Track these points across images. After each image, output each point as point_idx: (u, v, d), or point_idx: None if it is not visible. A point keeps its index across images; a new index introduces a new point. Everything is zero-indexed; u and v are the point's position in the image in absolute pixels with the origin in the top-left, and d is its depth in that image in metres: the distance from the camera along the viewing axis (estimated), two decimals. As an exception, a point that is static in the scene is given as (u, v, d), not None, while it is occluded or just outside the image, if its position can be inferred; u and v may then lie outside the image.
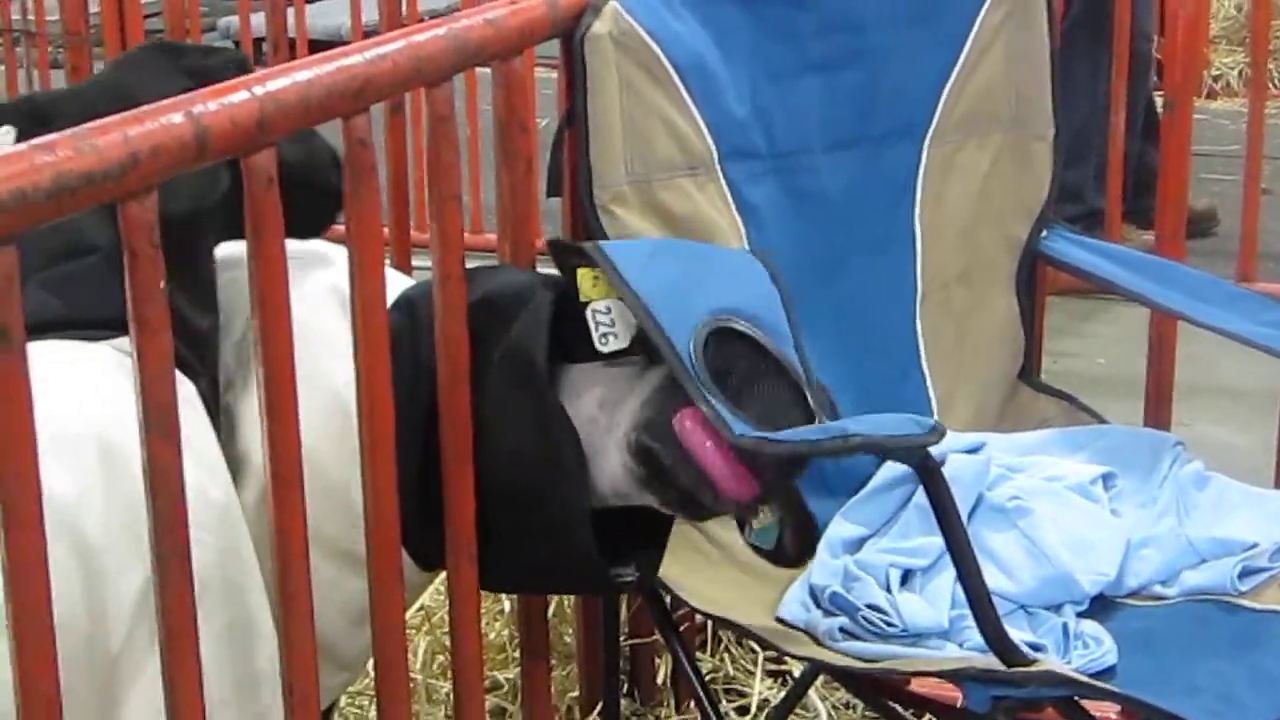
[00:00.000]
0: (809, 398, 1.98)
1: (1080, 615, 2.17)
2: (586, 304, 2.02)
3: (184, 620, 1.62)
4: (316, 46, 4.04)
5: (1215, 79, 6.87)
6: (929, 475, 1.85)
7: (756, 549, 2.08)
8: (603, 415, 2.01)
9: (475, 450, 2.01)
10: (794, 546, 2.08)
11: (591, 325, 2.02)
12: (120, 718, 1.77)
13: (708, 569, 2.20)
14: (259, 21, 5.09)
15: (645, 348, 2.00)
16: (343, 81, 1.78)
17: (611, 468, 1.99)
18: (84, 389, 1.86)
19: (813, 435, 1.87)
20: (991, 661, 1.91)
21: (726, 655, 2.87)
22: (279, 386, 1.73)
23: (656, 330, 1.92)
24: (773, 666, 2.83)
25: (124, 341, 1.61)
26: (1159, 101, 4.54)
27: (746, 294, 2.06)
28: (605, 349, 2.01)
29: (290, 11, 5.01)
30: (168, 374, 1.57)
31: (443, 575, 2.12)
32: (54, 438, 1.56)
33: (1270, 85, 5.25)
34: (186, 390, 1.89)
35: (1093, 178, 4.63)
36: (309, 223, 2.10)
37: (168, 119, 1.56)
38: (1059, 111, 2.57)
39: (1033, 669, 1.90)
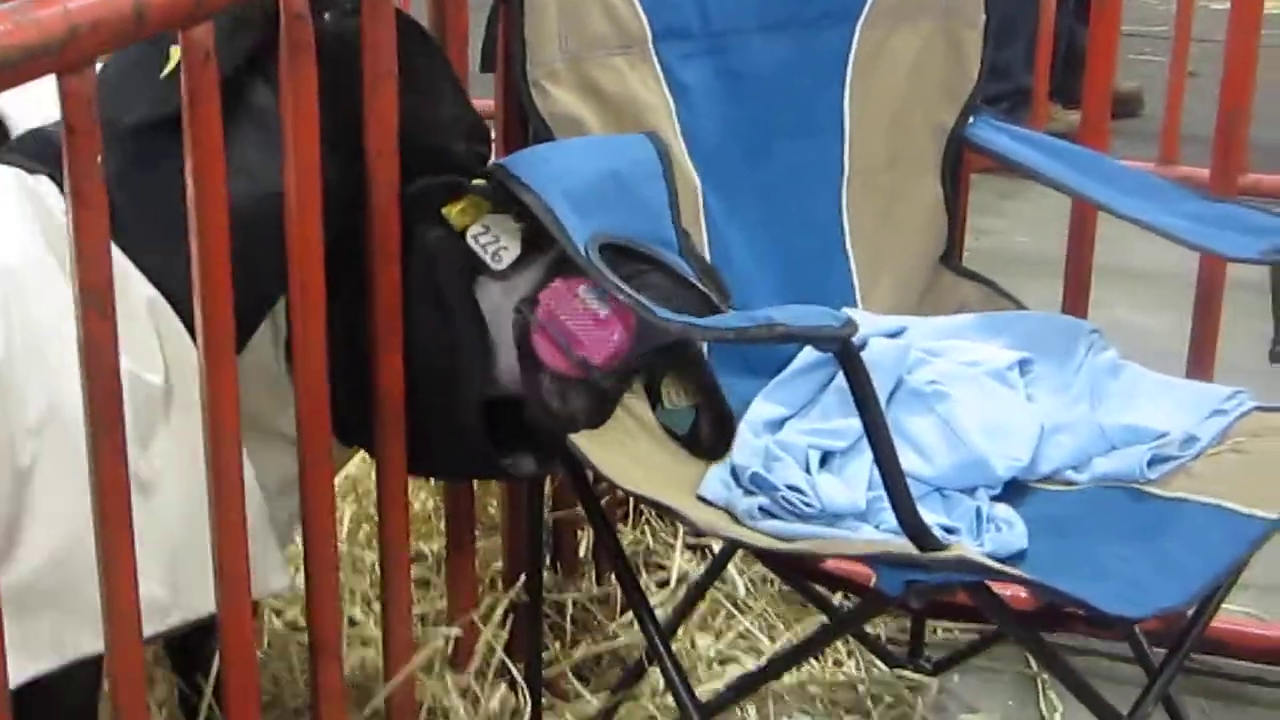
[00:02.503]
0: (701, 286, 2.04)
1: (993, 499, 2.22)
2: (464, 237, 2.09)
3: (117, 494, 1.64)
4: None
5: (1146, -42, 6.89)
6: (849, 361, 1.89)
7: (669, 431, 2.13)
8: (505, 300, 2.07)
9: None
10: (708, 438, 2.13)
11: (478, 250, 2.09)
12: (25, 532, 1.79)
13: (630, 444, 2.23)
14: None
15: (539, 246, 2.05)
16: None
17: (511, 357, 2.06)
18: None
19: (737, 322, 1.90)
20: (905, 545, 1.96)
21: (648, 528, 2.92)
22: (209, 258, 1.75)
23: (557, 226, 1.99)
24: (693, 540, 2.88)
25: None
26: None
27: (634, 210, 2.13)
28: (501, 265, 2.07)
29: None
30: (104, 250, 1.59)
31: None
32: None
33: (1200, -34, 5.25)
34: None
35: (1023, 56, 4.66)
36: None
37: (108, -7, 1.57)
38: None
39: (945, 555, 1.94)
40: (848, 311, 2.03)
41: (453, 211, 2.10)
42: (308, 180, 1.88)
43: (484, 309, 2.09)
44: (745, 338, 1.90)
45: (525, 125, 2.34)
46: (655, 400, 2.15)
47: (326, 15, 1.99)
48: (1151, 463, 2.25)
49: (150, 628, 1.79)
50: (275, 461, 2.00)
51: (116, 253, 1.86)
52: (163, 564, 1.86)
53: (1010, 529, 2.14)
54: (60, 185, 1.61)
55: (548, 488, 2.63)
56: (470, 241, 2.09)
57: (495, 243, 2.09)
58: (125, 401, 1.77)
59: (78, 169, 1.56)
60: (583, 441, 2.16)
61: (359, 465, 2.77)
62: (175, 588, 1.87)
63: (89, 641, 1.76)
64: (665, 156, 2.24)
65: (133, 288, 1.90)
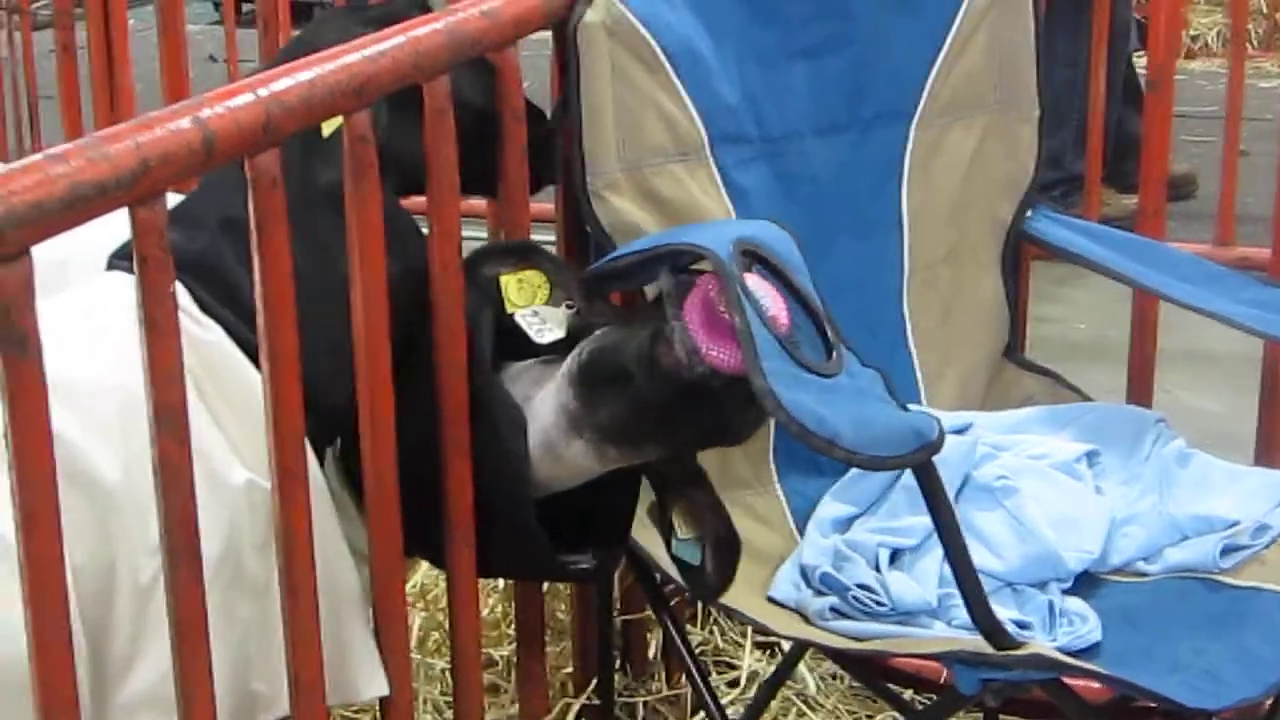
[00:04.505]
0: (828, 329, 2.00)
1: (1065, 592, 2.21)
2: (511, 314, 2.08)
3: (195, 615, 1.65)
4: (298, 8, 4.07)
5: (1193, 39, 6.91)
6: (923, 471, 1.88)
7: (679, 563, 2.11)
8: (535, 390, 2.05)
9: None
10: (715, 572, 2.09)
11: (524, 327, 2.07)
12: (146, 647, 1.82)
13: (699, 549, 2.23)
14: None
15: (580, 339, 2.04)
16: (344, 80, 1.81)
17: (543, 429, 2.01)
18: (102, 339, 1.88)
19: (807, 421, 1.82)
20: (979, 643, 1.95)
21: (716, 628, 2.91)
22: (281, 378, 1.76)
23: (687, 245, 1.95)
24: (762, 639, 2.86)
25: None
26: (1139, 64, 4.60)
27: (768, 232, 2.08)
28: (543, 340, 2.06)
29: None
30: (177, 376, 1.60)
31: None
32: (69, 386, 1.59)
33: (1249, 46, 5.26)
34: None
35: (1072, 143, 4.66)
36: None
37: (176, 125, 1.59)
38: (1043, 87, 2.60)
39: (1020, 653, 1.93)
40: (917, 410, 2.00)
41: (510, 283, 2.09)
42: (374, 301, 1.89)
43: (515, 396, 2.06)
44: (817, 446, 1.81)
45: (585, 234, 2.35)
46: (668, 531, 2.13)
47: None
48: (1224, 552, 2.24)
49: None
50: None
51: (239, 356, 1.90)
52: (275, 660, 1.88)
53: (1083, 623, 2.13)
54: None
55: (616, 590, 2.62)
56: (518, 319, 2.07)
57: (542, 324, 2.08)
58: (243, 507, 1.79)
59: (151, 298, 1.57)
60: (651, 545, 2.17)
61: (427, 573, 2.78)
62: (277, 685, 1.89)
63: None
64: (782, 225, 2.18)
65: (255, 394, 1.89)
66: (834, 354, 1.97)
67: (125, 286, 1.92)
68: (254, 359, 1.88)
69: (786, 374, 1.84)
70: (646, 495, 2.16)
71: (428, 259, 2.04)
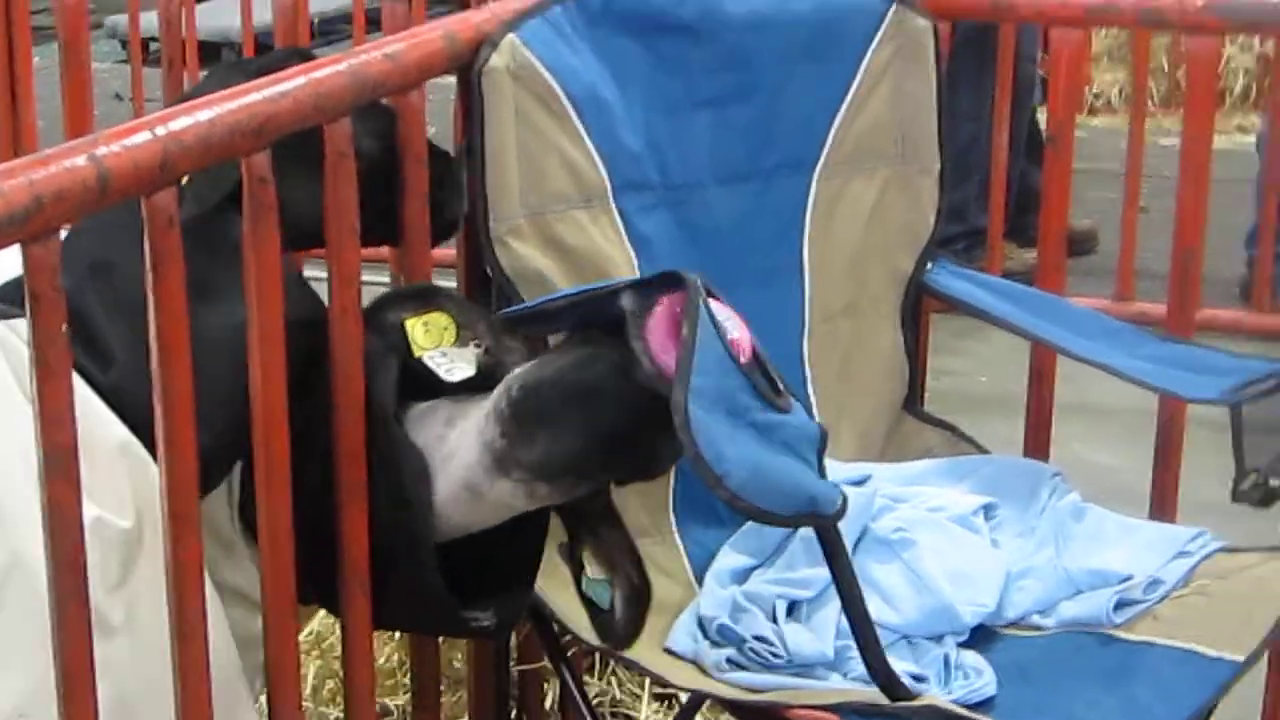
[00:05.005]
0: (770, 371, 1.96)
1: (961, 645, 2.22)
2: (419, 358, 2.05)
3: (82, 662, 1.63)
4: (206, 48, 4.05)
5: (1096, 96, 6.98)
6: (825, 534, 1.88)
7: (587, 603, 2.08)
8: (450, 430, 2.02)
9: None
10: (624, 619, 2.06)
11: (433, 368, 2.05)
12: None
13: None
14: (148, 20, 5.08)
15: (491, 377, 2.01)
16: (244, 120, 1.79)
17: (463, 467, 1.98)
18: None
19: (707, 451, 1.77)
20: (875, 695, 1.95)
21: (614, 679, 2.90)
22: (176, 423, 1.74)
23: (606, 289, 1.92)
24: (660, 690, 2.85)
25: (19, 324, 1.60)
26: (1041, 120, 4.64)
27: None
28: (453, 378, 2.04)
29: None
30: (68, 417, 1.58)
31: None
32: None
33: (1149, 103, 5.32)
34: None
35: (975, 197, 4.70)
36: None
37: (71, 162, 1.57)
38: (944, 144, 2.62)
39: (914, 703, 1.93)
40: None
41: (415, 326, 2.07)
42: (272, 344, 1.88)
43: (425, 436, 2.04)
44: (705, 479, 1.77)
45: (487, 279, 2.34)
46: (579, 568, 2.11)
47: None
48: (1117, 606, 2.25)
49: None
50: (230, 619, 1.98)
51: (92, 397, 1.87)
52: (120, 708, 1.84)
53: (978, 676, 2.14)
54: None
55: (513, 639, 2.61)
56: (426, 361, 2.05)
57: (450, 364, 2.06)
58: (94, 546, 1.75)
59: (43, 338, 1.55)
60: (549, 593, 2.16)
61: (323, 620, 2.75)
62: None
63: None
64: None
65: (106, 432, 1.90)
66: (781, 393, 1.95)
67: None
68: (103, 398, 1.89)
69: (714, 397, 1.81)
70: (554, 536, 2.14)
71: (315, 307, 2.03)
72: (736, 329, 1.89)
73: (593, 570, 2.07)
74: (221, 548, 2.01)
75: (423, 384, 2.07)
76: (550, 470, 1.93)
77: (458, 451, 1.99)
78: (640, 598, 2.06)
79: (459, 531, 2.05)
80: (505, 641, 2.50)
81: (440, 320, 2.08)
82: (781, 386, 1.93)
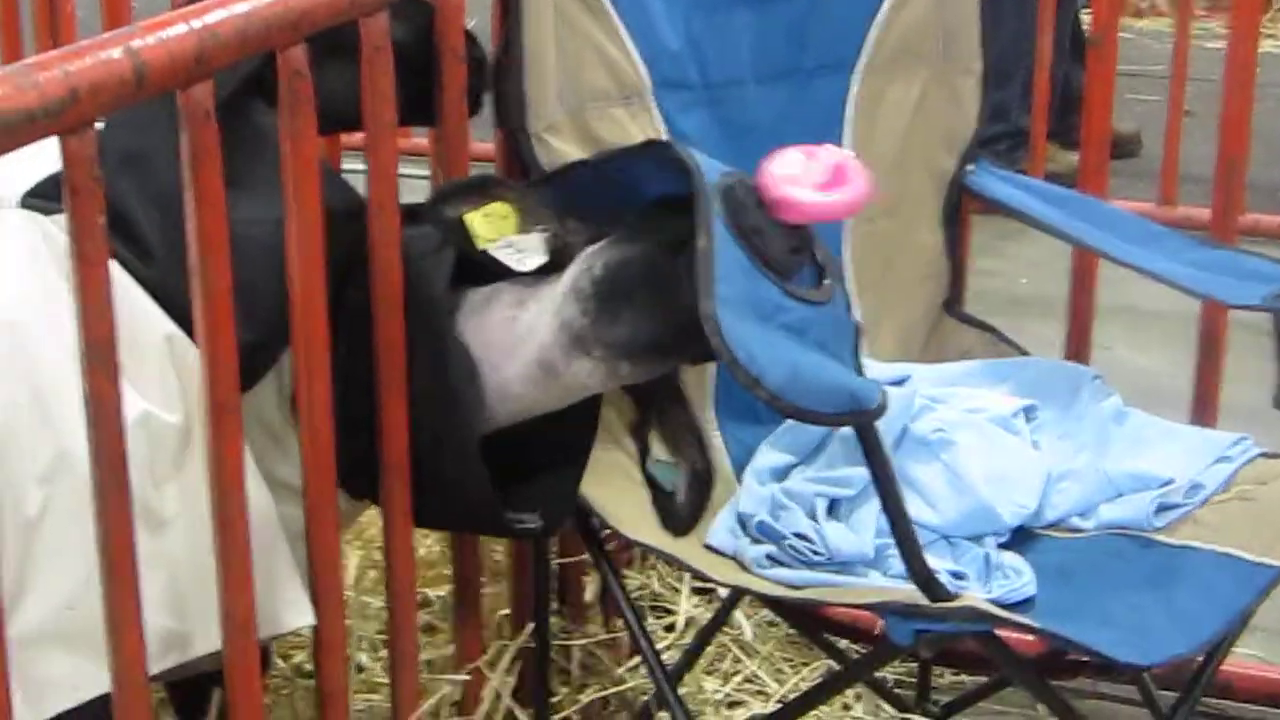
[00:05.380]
0: (818, 257, 1.98)
1: (1001, 546, 2.21)
2: (484, 250, 2.03)
3: (124, 552, 1.63)
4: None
5: (1143, -1, 6.91)
6: (864, 432, 1.87)
7: (653, 484, 2.08)
8: (521, 311, 2.02)
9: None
10: (687, 503, 2.09)
11: (502, 259, 2.03)
12: (36, 579, 1.79)
13: (636, 493, 2.22)
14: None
15: (562, 259, 2.00)
16: (280, 13, 1.78)
17: (539, 347, 1.99)
18: None
19: (739, 353, 1.79)
20: (914, 594, 1.94)
21: (654, 573, 2.90)
22: (215, 318, 1.74)
23: (682, 157, 1.91)
24: (699, 585, 2.86)
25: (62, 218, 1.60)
26: (1086, 20, 4.59)
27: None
28: (526, 267, 2.02)
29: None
30: (107, 309, 1.57)
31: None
32: None
33: (1196, 5, 5.25)
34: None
35: (1019, 96, 4.64)
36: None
37: (106, 54, 1.56)
38: (986, 44, 2.59)
39: (954, 604, 1.93)
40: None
41: (475, 220, 2.05)
42: (310, 237, 1.87)
43: (491, 319, 2.04)
44: (742, 382, 1.79)
45: (526, 176, 2.32)
46: (644, 449, 2.11)
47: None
48: (1158, 510, 2.24)
49: (160, 663, 1.80)
50: (282, 514, 1.99)
51: (136, 290, 1.87)
52: (174, 599, 1.86)
53: (1018, 576, 2.13)
54: None
55: (554, 534, 2.60)
56: (493, 253, 2.04)
57: (519, 253, 2.04)
58: (141, 440, 1.77)
59: (81, 229, 1.54)
60: (589, 489, 2.16)
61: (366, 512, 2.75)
62: (188, 622, 1.87)
63: (101, 682, 1.75)
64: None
65: (151, 325, 1.91)
66: (824, 282, 1.93)
67: (27, 223, 1.90)
68: (147, 291, 1.89)
69: (742, 302, 1.82)
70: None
71: (353, 198, 2.02)
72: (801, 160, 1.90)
73: (658, 451, 2.08)
74: (272, 440, 2.02)
75: (489, 276, 2.07)
76: (634, 348, 1.96)
77: (534, 331, 2.00)
78: (703, 483, 2.08)
79: (526, 414, 2.06)
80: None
81: (500, 210, 2.07)
82: (824, 269, 1.92)
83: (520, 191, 2.11)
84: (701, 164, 1.94)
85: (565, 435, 2.14)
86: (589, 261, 1.96)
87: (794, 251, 1.93)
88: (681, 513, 2.08)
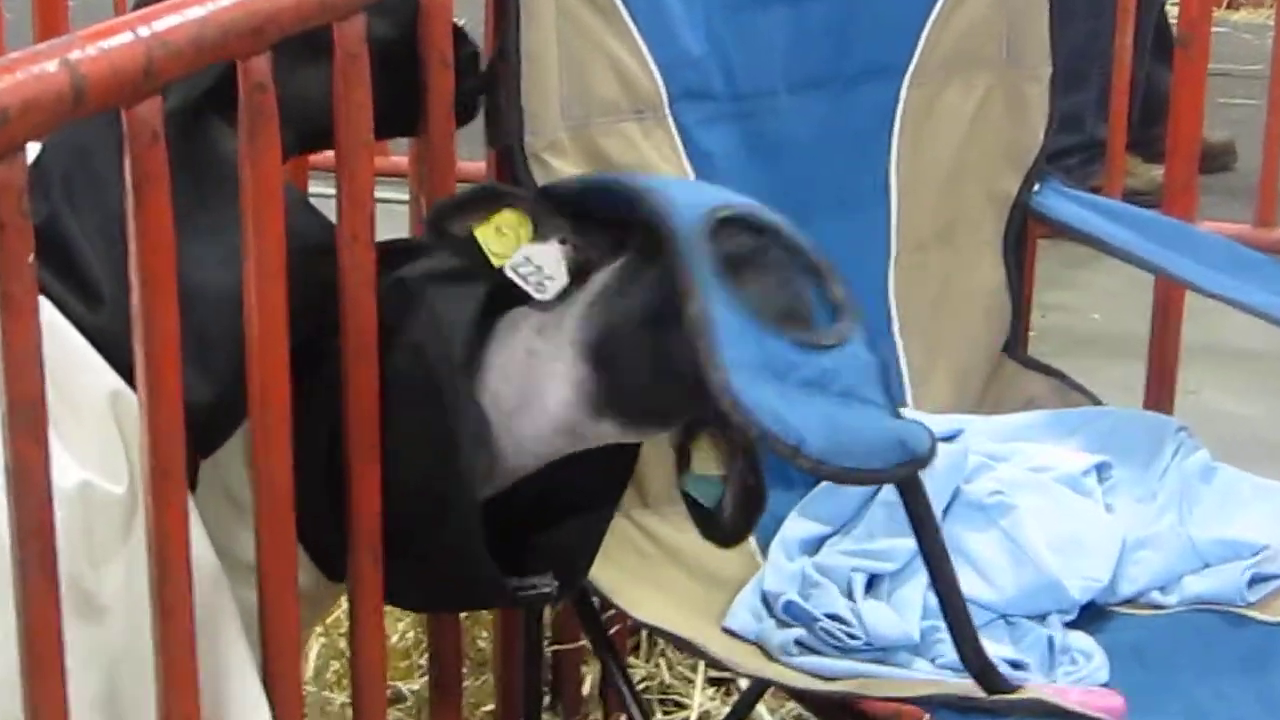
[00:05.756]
0: (835, 291, 1.97)
1: (1068, 625, 2.22)
2: (499, 268, 2.03)
3: (51, 638, 1.63)
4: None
5: (1236, -14, 6.91)
6: (908, 487, 1.87)
7: (690, 501, 2.08)
8: (543, 342, 2.03)
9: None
10: (733, 518, 2.05)
11: (519, 282, 2.02)
12: None
13: (646, 570, 2.24)
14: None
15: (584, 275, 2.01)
16: (241, 19, 1.78)
17: (554, 399, 2.01)
18: None
19: (770, 424, 1.79)
20: (968, 686, 1.94)
21: (663, 660, 2.90)
22: (159, 362, 1.74)
23: (653, 207, 1.90)
24: (715, 674, 2.86)
25: None
26: (1172, 14, 4.60)
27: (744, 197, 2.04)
28: (547, 295, 2.02)
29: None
30: (35, 362, 1.58)
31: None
32: None
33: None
34: None
35: (1094, 103, 4.65)
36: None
37: (40, 68, 1.56)
38: (1056, 45, 2.61)
39: (1016, 697, 1.93)
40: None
41: (487, 234, 2.04)
42: (271, 275, 1.87)
43: (512, 349, 2.05)
44: (781, 452, 1.77)
45: (523, 200, 2.34)
46: (684, 464, 2.12)
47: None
48: (1252, 582, 2.25)
49: None
50: (243, 598, 1.99)
51: (77, 339, 1.87)
52: (111, 699, 1.85)
53: (1088, 661, 2.14)
54: None
55: (546, 615, 2.61)
56: (509, 273, 2.03)
57: (539, 273, 2.04)
58: (76, 513, 1.76)
59: (7, 270, 1.54)
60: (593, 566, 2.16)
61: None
62: None
63: None
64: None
65: (93, 380, 1.90)
66: (841, 322, 1.94)
67: None
68: (91, 341, 1.88)
69: (754, 365, 1.81)
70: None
71: (328, 230, 2.03)
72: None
73: (701, 465, 2.08)
74: (236, 513, 2.01)
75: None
76: (652, 416, 2.00)
77: (552, 378, 2.01)
78: (755, 501, 2.05)
79: (545, 460, 2.07)
80: (538, 618, 2.50)
81: (511, 219, 2.05)
82: (841, 307, 1.94)
83: (529, 199, 2.09)
84: (678, 198, 1.93)
85: (590, 476, 2.14)
86: (588, 314, 1.98)
87: (801, 293, 1.94)
88: (726, 526, 2.05)
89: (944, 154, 2.57)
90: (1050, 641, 2.17)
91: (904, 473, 1.83)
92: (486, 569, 2.06)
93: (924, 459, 1.82)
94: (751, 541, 2.33)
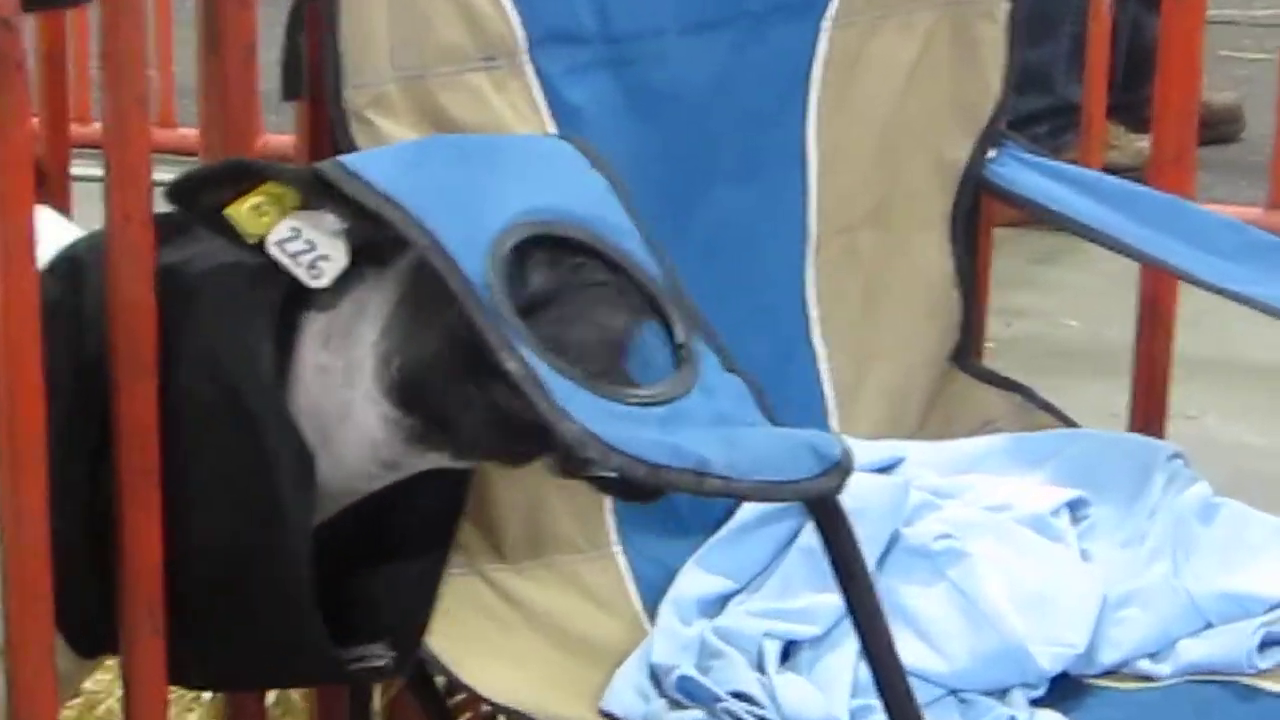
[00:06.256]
0: (670, 314, 1.99)
1: (1036, 703, 2.21)
2: (260, 245, 2.01)
3: None
4: None
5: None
6: (827, 517, 1.87)
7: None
8: (333, 357, 2.03)
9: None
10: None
11: (286, 264, 2.02)
12: None
13: (503, 640, 2.24)
14: None
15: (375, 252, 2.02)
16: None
17: (366, 429, 2.02)
18: None
19: (657, 456, 1.83)
20: (907, 779, 1.94)
21: (528, 751, 2.90)
22: None
23: (434, 248, 1.92)
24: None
25: None
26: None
27: (564, 189, 2.06)
28: (322, 282, 2.02)
29: None
30: None
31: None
32: None
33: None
34: None
35: (1066, 57, 4.69)
36: None
37: None
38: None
39: (964, 795, 1.93)
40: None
41: (241, 212, 2.02)
42: (19, 272, 1.86)
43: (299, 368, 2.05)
44: (669, 483, 1.84)
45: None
46: None
47: None
48: (1263, 646, 2.25)
49: None
50: None
51: None
52: None
53: (1057, 743, 2.14)
54: None
55: (376, 699, 2.59)
56: (272, 252, 2.02)
57: (310, 250, 2.03)
58: None
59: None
60: (433, 635, 2.15)
61: (98, 678, 2.73)
62: None
63: None
64: (587, 150, 2.17)
65: None
66: (682, 366, 1.95)
67: None
68: None
69: (600, 408, 1.85)
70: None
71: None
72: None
73: None
74: None
75: None
76: (487, 456, 2.02)
77: (356, 410, 2.02)
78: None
79: (370, 489, 2.09)
80: (364, 705, 2.49)
81: (275, 192, 2.04)
82: (683, 347, 1.96)
83: (294, 171, 2.08)
84: (445, 221, 1.95)
85: (414, 516, 2.15)
86: (387, 353, 1.99)
87: (623, 340, 1.96)
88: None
89: (876, 112, 2.57)
90: (1012, 722, 2.16)
91: (830, 483, 1.84)
92: (313, 632, 2.04)
93: (845, 465, 1.84)
94: (635, 600, 2.36)
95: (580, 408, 1.83)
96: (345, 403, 2.02)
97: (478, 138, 2.27)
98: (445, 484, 2.12)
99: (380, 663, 2.13)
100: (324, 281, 2.01)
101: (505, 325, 1.88)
